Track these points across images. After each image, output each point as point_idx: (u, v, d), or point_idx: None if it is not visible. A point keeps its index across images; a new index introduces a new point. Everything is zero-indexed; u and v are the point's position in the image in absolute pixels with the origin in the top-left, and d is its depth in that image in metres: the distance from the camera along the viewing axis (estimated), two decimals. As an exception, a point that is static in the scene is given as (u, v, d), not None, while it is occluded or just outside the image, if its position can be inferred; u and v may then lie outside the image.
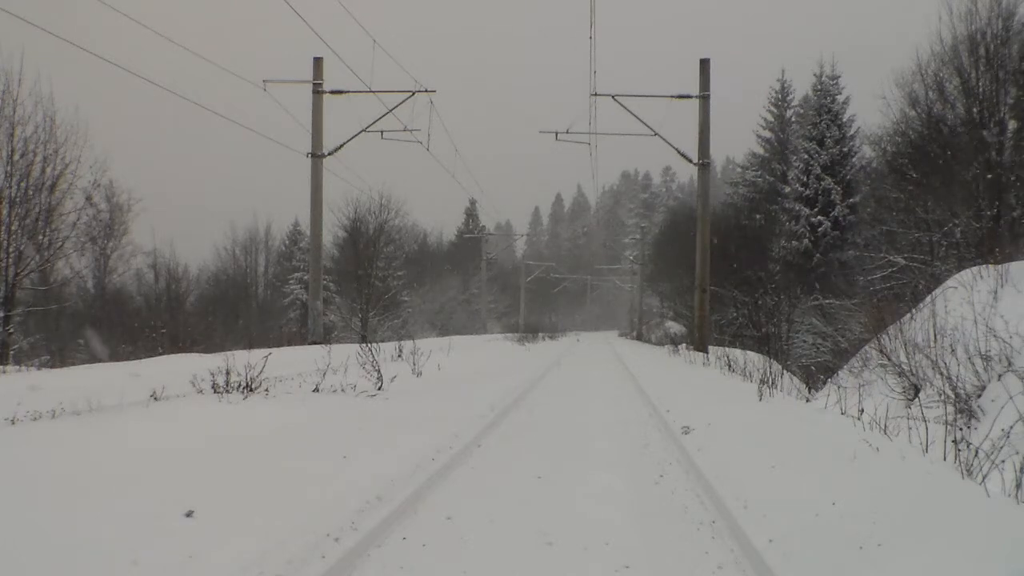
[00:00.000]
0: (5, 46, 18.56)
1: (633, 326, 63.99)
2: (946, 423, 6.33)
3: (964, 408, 8.25)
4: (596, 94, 22.56)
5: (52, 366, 19.03)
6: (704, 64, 22.54)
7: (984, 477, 4.63)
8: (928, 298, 12.18)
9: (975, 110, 19.37)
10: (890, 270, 20.10)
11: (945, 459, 5.24)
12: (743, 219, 37.52)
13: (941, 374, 8.74)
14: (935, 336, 10.06)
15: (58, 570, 3.55)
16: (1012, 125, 19.37)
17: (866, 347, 13.06)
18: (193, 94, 17.85)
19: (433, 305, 55.23)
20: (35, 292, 21.73)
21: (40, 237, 19.09)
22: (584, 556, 4.54)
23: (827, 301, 23.37)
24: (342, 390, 9.70)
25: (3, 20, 11.52)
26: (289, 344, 25.41)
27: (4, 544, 3.67)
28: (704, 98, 22.28)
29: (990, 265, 11.93)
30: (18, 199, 18.42)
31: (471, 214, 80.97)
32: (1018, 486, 4.28)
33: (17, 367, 16.20)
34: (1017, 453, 4.98)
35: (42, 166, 18.88)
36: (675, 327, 45.69)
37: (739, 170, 48.96)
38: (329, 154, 22.45)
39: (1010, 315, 8.87)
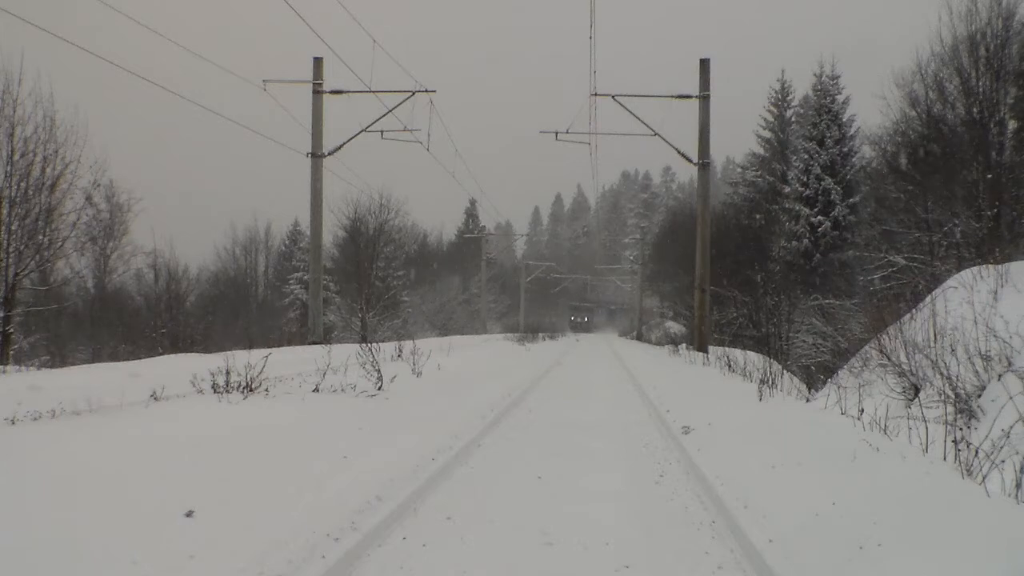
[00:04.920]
0: (5, 46, 18.46)
1: (633, 326, 64.01)
2: (946, 423, 6.33)
3: (964, 408, 8.24)
4: (596, 94, 22.57)
5: (52, 366, 19.03)
6: (704, 64, 22.54)
7: (984, 477, 4.63)
8: (928, 298, 12.16)
9: (975, 110, 19.35)
10: (890, 270, 20.09)
11: (945, 459, 5.23)
12: (743, 219, 37.50)
13: (941, 374, 8.73)
14: (935, 336, 10.05)
15: (58, 570, 3.55)
16: (1012, 125, 19.36)
17: (866, 347, 13.04)
18: (193, 94, 17.80)
19: (433, 305, 55.19)
20: (35, 292, 21.71)
21: (40, 237, 19.03)
22: (584, 556, 4.54)
23: (827, 301, 23.35)
24: (342, 390, 9.69)
25: (3, 20, 11.52)
26: (289, 344, 25.38)
27: (4, 544, 3.67)
28: (704, 98, 22.28)
29: (990, 265, 11.91)
30: (18, 199, 18.37)
31: (471, 214, 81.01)
32: (1018, 486, 4.29)
33: (17, 367, 16.19)
34: (1017, 453, 4.98)
35: (42, 166, 18.83)
36: (675, 327, 45.70)
37: (739, 170, 48.95)
38: (329, 154, 22.44)
39: (1010, 315, 8.85)
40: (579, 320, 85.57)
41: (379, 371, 11.04)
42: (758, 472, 5.93)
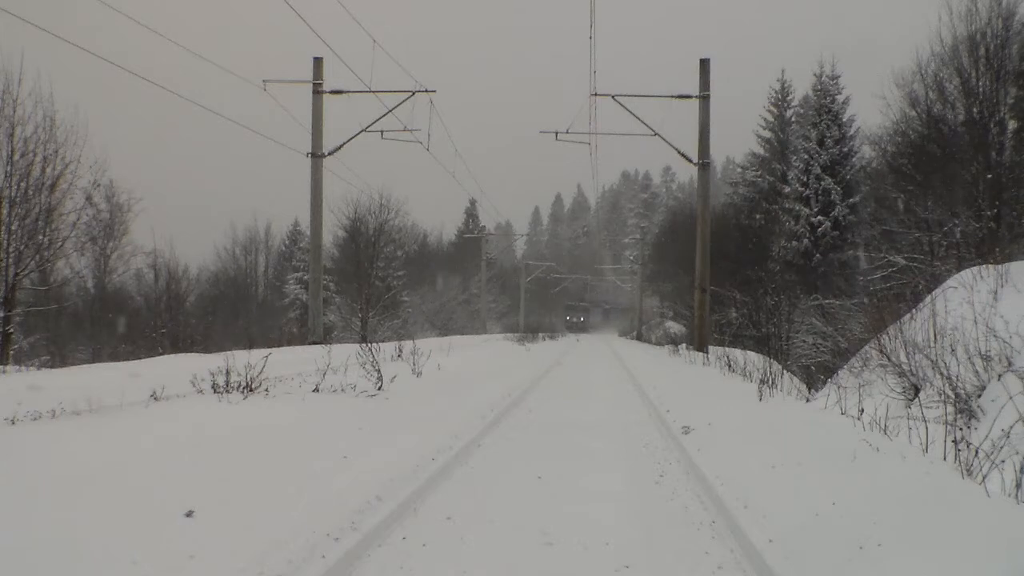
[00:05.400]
0: (5, 46, 18.46)
1: (632, 326, 64.04)
2: (946, 423, 6.32)
3: (964, 408, 8.24)
4: (596, 94, 22.58)
5: (52, 366, 19.02)
6: (704, 64, 22.54)
7: (984, 477, 4.63)
8: (928, 298, 12.16)
9: (975, 110, 19.35)
10: (890, 270, 20.08)
11: (945, 459, 5.23)
12: (743, 219, 37.50)
13: (941, 374, 8.73)
14: (935, 336, 10.05)
15: (58, 570, 3.55)
16: (1012, 125, 19.35)
17: (866, 347, 13.04)
18: (193, 94, 17.81)
19: (433, 305, 55.16)
20: (35, 292, 21.70)
21: (40, 237, 19.04)
22: (584, 556, 4.54)
23: (827, 301, 23.34)
24: (342, 390, 9.69)
25: (3, 20, 11.52)
26: (289, 344, 25.38)
27: (4, 544, 3.67)
28: (704, 98, 22.28)
29: (990, 265, 11.91)
30: (18, 199, 18.37)
31: (471, 214, 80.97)
32: (1018, 486, 4.29)
33: (17, 367, 16.19)
34: (1017, 453, 4.98)
35: (42, 166, 18.82)
36: (675, 327, 45.71)
37: (739, 170, 48.94)
38: (329, 154, 22.44)
39: (1010, 315, 8.85)
40: (575, 320, 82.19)
41: (379, 371, 11.04)
42: (758, 472, 5.93)
